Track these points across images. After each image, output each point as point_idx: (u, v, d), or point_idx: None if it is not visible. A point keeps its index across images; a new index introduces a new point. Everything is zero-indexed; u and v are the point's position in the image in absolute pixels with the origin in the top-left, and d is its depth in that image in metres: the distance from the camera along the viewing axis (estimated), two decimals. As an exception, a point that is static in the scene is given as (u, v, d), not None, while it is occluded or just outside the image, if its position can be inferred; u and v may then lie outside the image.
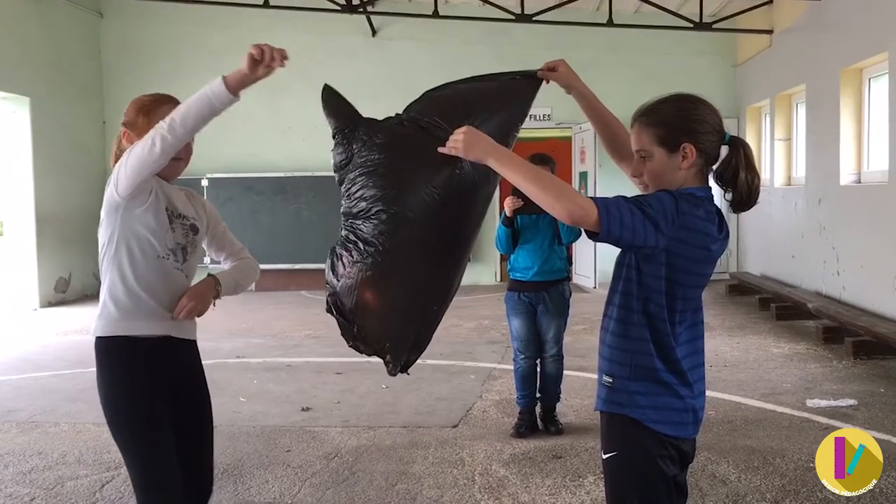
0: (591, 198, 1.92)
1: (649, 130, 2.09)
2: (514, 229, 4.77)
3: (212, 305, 2.63)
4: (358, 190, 2.21)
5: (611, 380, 2.09)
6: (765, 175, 11.28)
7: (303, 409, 5.51)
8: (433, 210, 2.20)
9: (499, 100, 2.34)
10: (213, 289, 2.62)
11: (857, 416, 5.02)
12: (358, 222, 2.20)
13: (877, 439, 4.53)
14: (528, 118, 2.57)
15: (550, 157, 4.97)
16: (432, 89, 2.37)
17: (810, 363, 6.57)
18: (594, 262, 11.16)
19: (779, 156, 10.55)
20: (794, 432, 4.78)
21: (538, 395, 4.95)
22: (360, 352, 2.28)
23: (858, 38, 7.89)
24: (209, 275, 2.66)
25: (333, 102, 2.35)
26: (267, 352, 7.59)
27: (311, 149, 12.25)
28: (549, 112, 12.21)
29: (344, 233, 2.24)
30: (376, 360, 2.46)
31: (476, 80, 2.41)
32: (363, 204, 2.21)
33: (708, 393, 5.95)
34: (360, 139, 2.26)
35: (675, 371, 2.05)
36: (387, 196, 2.19)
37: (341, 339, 2.43)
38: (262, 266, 11.90)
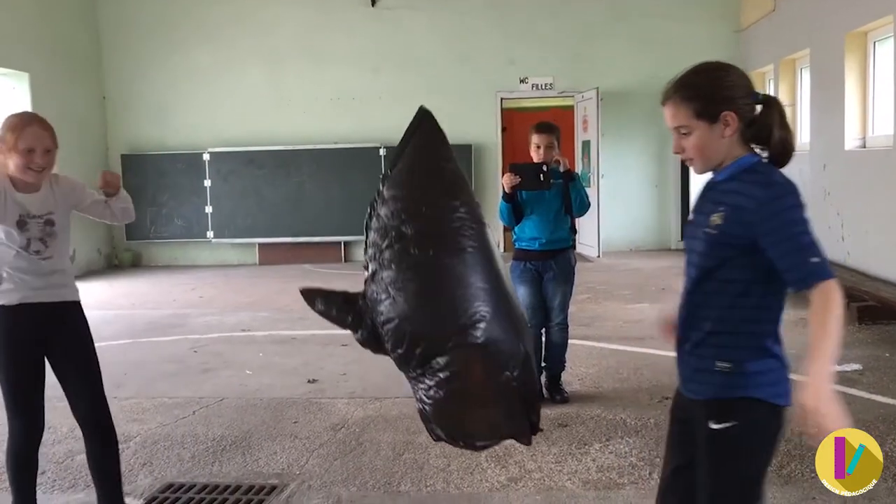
0: (816, 273, 1.93)
1: (686, 105, 2.06)
2: (515, 204, 4.76)
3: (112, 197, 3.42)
4: (391, 339, 2.09)
5: (729, 364, 2.06)
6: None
7: (309, 381, 5.54)
8: (472, 298, 2.07)
9: (420, 162, 2.13)
10: (119, 180, 3.44)
11: (862, 381, 5.03)
12: (411, 362, 2.09)
13: (881, 403, 4.57)
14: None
15: (556, 126, 4.95)
16: (366, 219, 2.18)
17: (815, 329, 6.56)
18: (598, 232, 11.14)
19: (783, 121, 10.47)
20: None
21: (543, 364, 4.97)
22: (492, 446, 2.20)
23: (863, 1, 7.80)
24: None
25: (321, 298, 2.22)
26: (272, 325, 7.62)
27: (313, 122, 12.21)
28: (551, 81, 12.12)
29: (410, 374, 2.14)
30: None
31: (391, 171, 2.20)
32: (407, 345, 2.08)
33: (713, 360, 5.89)
34: (364, 308, 2.15)
35: (778, 341, 2.08)
36: (421, 327, 2.05)
37: None
38: (266, 240, 11.98)
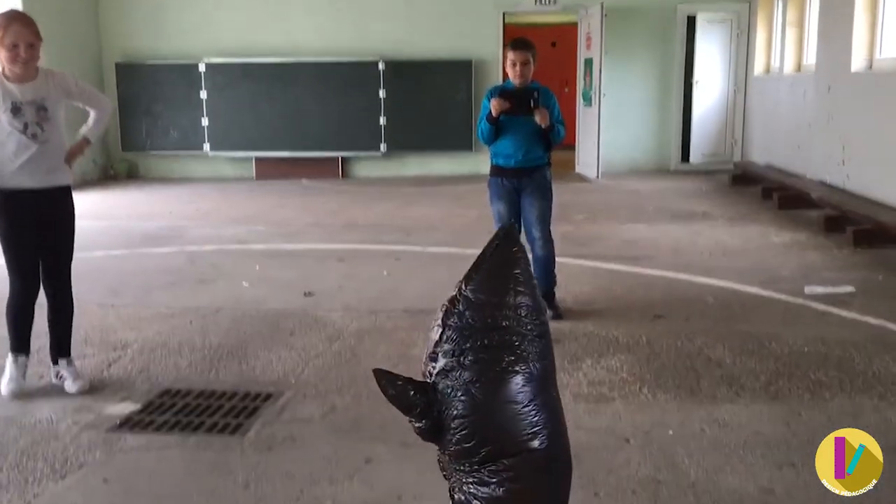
0: None
1: None
2: (497, 125, 4.79)
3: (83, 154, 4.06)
4: (461, 433, 2.10)
5: None
6: (774, 63, 11.04)
7: (305, 294, 5.57)
8: (540, 407, 2.13)
9: (503, 273, 2.19)
10: (82, 145, 4.00)
11: (853, 304, 5.07)
12: (474, 457, 2.12)
13: (871, 324, 4.62)
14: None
15: (532, 44, 4.88)
16: (444, 314, 2.18)
17: (810, 252, 6.59)
18: (597, 153, 11.06)
19: (789, 42, 10.29)
20: (790, 318, 4.84)
21: (536, 283, 5.01)
22: None
23: (879, -84, 7.55)
24: (83, 137, 4.01)
25: (392, 384, 2.19)
26: (268, 239, 7.62)
27: (311, 34, 11.95)
28: (555, -5, 11.81)
29: (465, 468, 2.16)
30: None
31: (475, 274, 2.22)
32: (477, 442, 2.10)
33: (707, 280, 6.01)
34: (434, 400, 2.15)
35: None
36: (494, 428, 2.10)
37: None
38: (262, 154, 11.84)
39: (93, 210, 9.26)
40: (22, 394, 3.84)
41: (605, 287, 5.62)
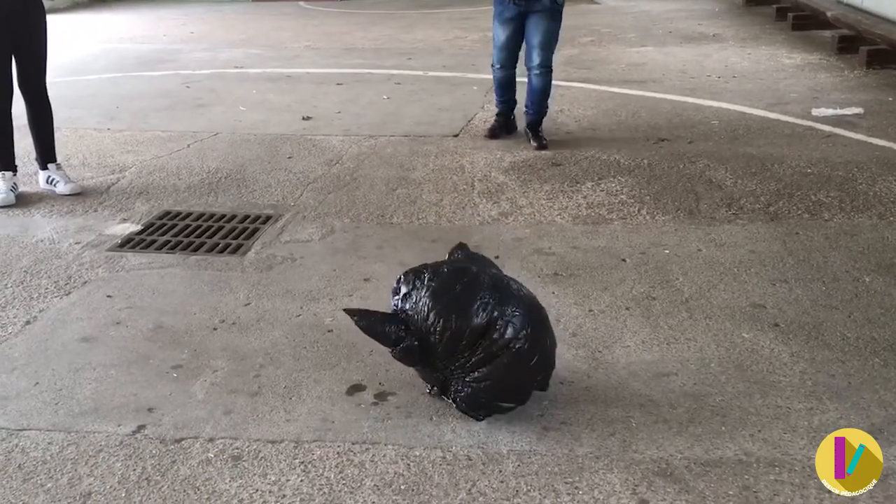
0: None
1: None
2: None
3: None
4: (440, 334, 2.25)
5: None
6: None
7: (304, 119, 5.48)
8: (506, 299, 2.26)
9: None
10: None
11: (861, 125, 4.97)
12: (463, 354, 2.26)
13: (877, 145, 4.56)
14: None
15: None
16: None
17: (821, 73, 6.40)
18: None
19: None
20: (795, 140, 4.76)
21: (526, 110, 4.82)
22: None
23: None
24: None
25: (366, 320, 2.33)
26: (265, 62, 7.42)
27: None
28: None
29: (455, 364, 2.29)
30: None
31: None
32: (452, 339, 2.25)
33: (713, 103, 5.89)
34: (407, 327, 2.27)
35: None
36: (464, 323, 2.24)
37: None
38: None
39: (84, 33, 8.98)
40: (12, 205, 3.98)
41: (610, 111, 5.51)
